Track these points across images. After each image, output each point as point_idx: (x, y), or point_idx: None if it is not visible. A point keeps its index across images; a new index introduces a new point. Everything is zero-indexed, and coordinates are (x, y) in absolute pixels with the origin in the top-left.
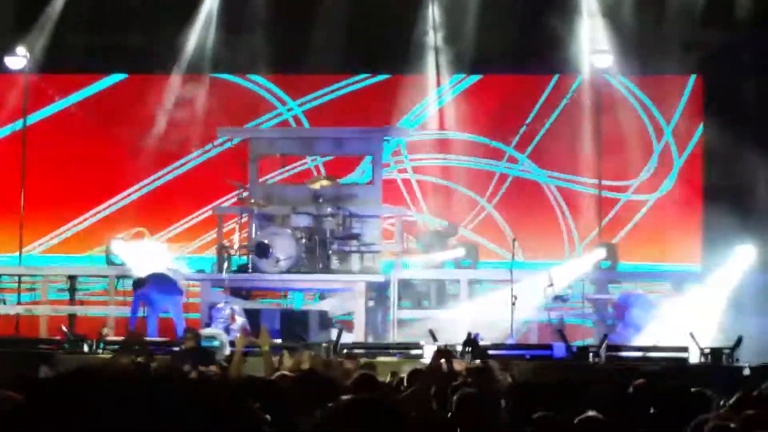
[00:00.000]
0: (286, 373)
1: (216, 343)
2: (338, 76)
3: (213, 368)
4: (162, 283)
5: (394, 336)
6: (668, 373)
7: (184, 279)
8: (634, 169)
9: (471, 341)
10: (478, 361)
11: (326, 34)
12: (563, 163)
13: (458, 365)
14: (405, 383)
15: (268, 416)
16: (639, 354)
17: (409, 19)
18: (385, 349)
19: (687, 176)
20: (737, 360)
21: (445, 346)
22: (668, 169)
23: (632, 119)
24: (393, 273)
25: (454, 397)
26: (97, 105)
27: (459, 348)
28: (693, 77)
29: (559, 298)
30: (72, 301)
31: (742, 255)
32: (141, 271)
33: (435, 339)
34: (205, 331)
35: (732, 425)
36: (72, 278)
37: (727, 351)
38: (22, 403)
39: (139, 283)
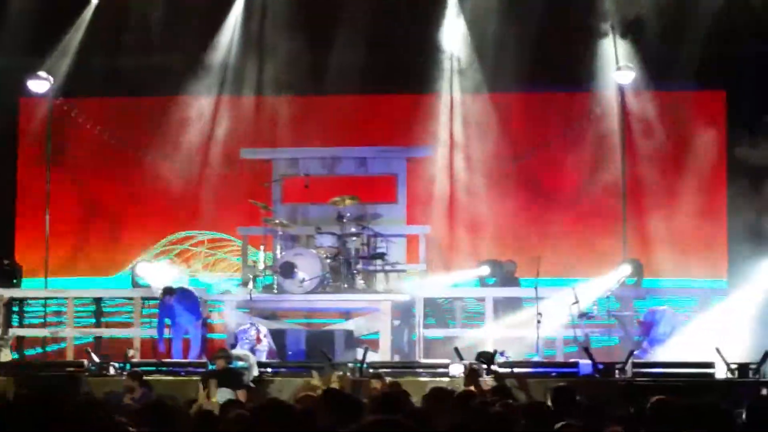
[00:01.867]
0: (310, 393)
1: (243, 365)
2: (357, 96)
3: (240, 392)
4: (187, 299)
5: (420, 355)
6: (694, 389)
7: (206, 302)
8: (657, 184)
9: (484, 355)
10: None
11: (345, 54)
12: (586, 179)
13: (484, 385)
14: (425, 402)
15: None
16: (665, 370)
17: (426, 37)
18: (411, 368)
19: (711, 191)
20: (764, 375)
21: (471, 364)
22: (693, 183)
23: (655, 135)
24: (418, 292)
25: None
26: (120, 127)
27: (483, 366)
28: (717, 92)
29: (584, 315)
30: (98, 324)
31: None
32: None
33: (461, 357)
34: (234, 352)
35: None
36: (97, 300)
37: (753, 366)
38: None
39: (168, 291)
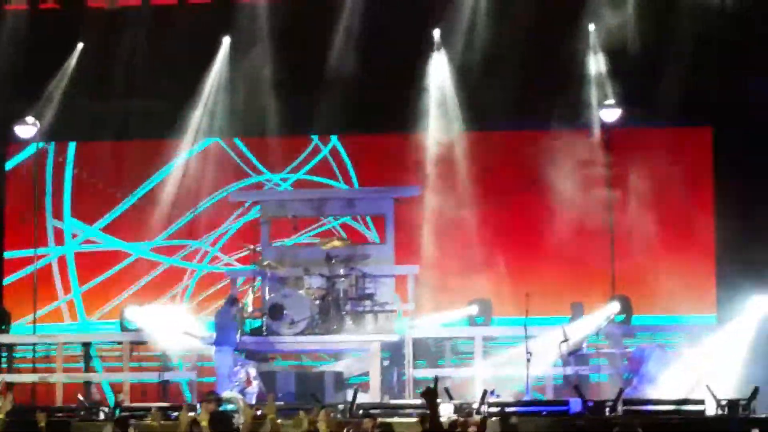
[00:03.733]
0: None
1: (233, 407)
2: (343, 136)
3: None
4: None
5: (410, 395)
6: (685, 426)
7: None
8: (645, 221)
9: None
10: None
11: (327, 95)
12: (574, 216)
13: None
14: None
15: None
16: (655, 407)
17: (412, 77)
18: (401, 408)
19: (699, 227)
20: (754, 411)
21: (461, 404)
22: (681, 220)
23: (642, 172)
24: (407, 332)
25: None
26: (105, 169)
27: (476, 405)
28: (704, 129)
29: (573, 353)
30: (87, 369)
31: (757, 305)
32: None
33: (450, 397)
34: (224, 395)
35: None
36: (86, 345)
37: (743, 402)
38: None
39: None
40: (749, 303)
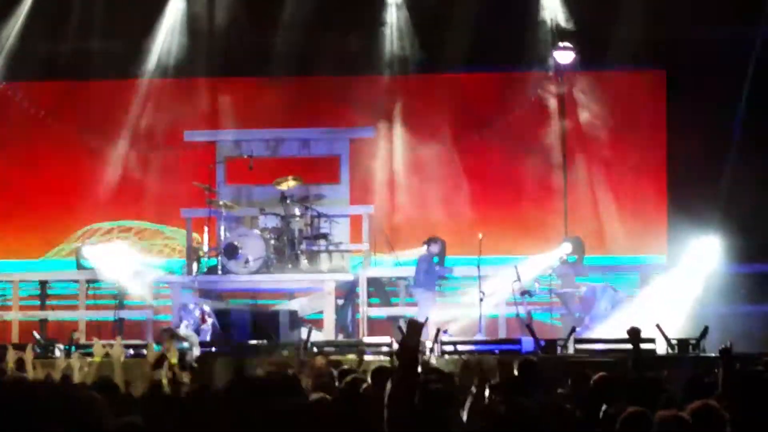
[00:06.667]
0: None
1: (185, 345)
2: (301, 77)
3: (184, 373)
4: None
5: (364, 334)
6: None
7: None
8: (598, 163)
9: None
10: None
11: (286, 36)
12: (527, 158)
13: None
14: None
15: None
16: (606, 346)
17: (366, 18)
18: (355, 346)
19: (651, 170)
20: (704, 350)
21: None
22: (633, 162)
23: (595, 114)
24: (362, 271)
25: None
26: (64, 111)
27: (429, 344)
28: (658, 72)
29: (526, 293)
30: (43, 306)
31: (708, 246)
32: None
33: (403, 335)
34: (179, 332)
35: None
36: (43, 283)
37: (693, 341)
38: None
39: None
40: (699, 245)
